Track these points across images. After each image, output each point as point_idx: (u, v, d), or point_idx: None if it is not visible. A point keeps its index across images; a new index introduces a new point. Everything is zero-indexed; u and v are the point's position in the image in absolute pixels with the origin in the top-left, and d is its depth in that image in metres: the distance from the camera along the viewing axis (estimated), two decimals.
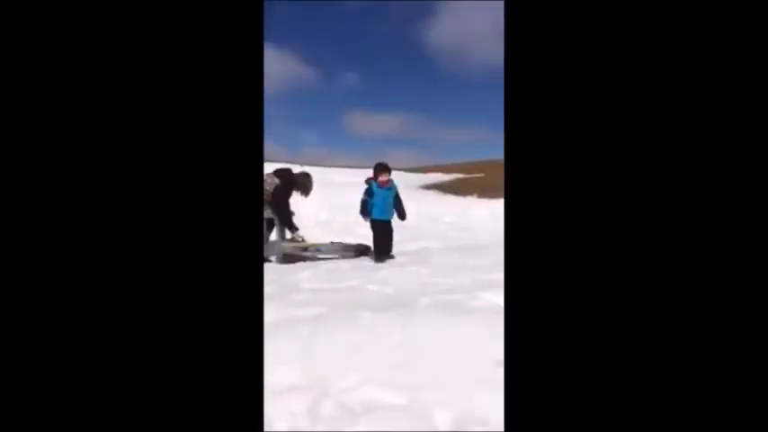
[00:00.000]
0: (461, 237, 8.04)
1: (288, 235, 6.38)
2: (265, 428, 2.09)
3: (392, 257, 5.81)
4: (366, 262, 5.73)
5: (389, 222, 6.01)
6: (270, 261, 6.16)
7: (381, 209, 5.90)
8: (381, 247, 5.89)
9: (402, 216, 6.09)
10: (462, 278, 4.43)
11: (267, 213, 6.31)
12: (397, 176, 6.60)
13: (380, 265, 5.50)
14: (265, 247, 6.21)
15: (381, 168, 5.98)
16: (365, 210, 5.88)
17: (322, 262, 5.91)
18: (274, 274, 5.02)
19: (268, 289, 4.24)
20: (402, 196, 6.14)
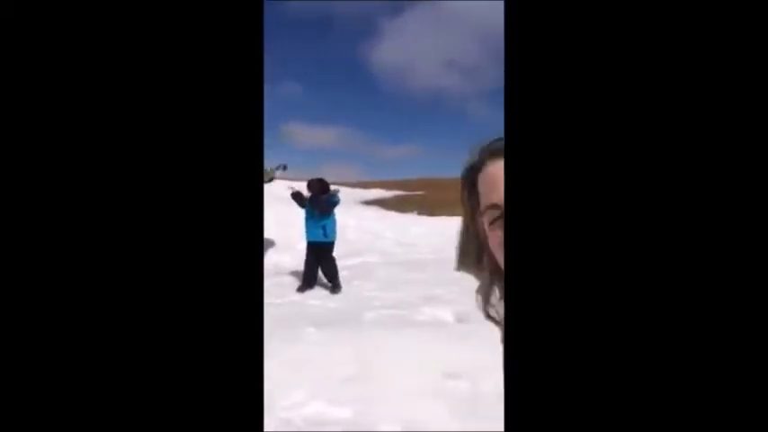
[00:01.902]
0: (405, 252, 8.11)
1: None
2: None
3: (334, 289, 4.97)
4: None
5: (315, 245, 5.09)
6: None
7: (306, 229, 5.28)
8: (305, 275, 5.13)
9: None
10: (406, 293, 4.47)
11: None
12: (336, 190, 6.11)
13: (324, 279, 5.25)
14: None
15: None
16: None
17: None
18: None
19: None
20: (343, 211, 5.68)
